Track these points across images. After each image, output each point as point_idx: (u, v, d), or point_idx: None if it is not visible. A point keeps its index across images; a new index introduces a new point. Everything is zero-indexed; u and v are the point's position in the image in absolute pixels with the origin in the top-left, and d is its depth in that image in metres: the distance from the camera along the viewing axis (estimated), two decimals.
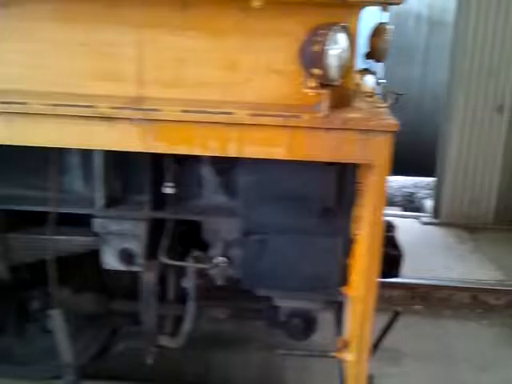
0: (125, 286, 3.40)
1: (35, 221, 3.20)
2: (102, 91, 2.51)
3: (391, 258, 3.13)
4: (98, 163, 2.94)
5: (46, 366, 3.60)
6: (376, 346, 3.18)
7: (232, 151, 2.48)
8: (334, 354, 3.01)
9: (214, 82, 2.52)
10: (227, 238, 3.02)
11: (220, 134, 2.45)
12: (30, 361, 3.69)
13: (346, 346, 2.94)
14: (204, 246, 3.10)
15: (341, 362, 3.03)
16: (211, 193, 3.06)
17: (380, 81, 3.17)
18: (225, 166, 2.92)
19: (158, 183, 2.99)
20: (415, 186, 9.55)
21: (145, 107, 2.43)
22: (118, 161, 2.96)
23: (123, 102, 2.44)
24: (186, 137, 2.46)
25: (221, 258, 2.99)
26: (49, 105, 2.40)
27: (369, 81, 3.18)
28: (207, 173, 3.01)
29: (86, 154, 2.96)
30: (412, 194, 9.35)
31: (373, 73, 3.22)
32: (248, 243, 2.86)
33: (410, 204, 8.87)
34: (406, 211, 8.04)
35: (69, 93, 2.51)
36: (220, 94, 2.53)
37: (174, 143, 2.48)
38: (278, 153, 2.46)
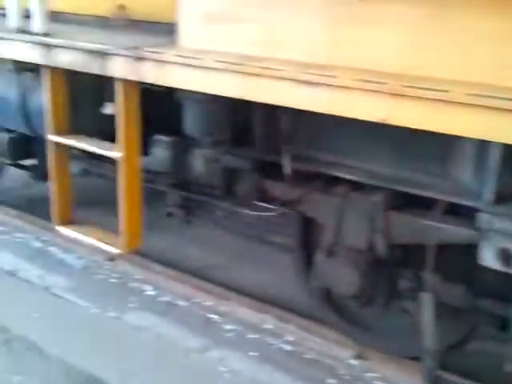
0: (496, 286, 3.28)
1: (417, 204, 3.31)
2: None
3: None
4: (493, 157, 2.86)
5: (406, 345, 3.73)
6: None
7: None
8: None
9: None
10: None
11: None
12: (387, 335, 3.87)
13: None
14: None
15: None
16: None
17: None
18: None
19: None
20: None
21: None
22: None
23: None
24: None
25: None
26: (472, 95, 2.39)
27: None
28: None
29: (481, 146, 2.90)
30: None
31: None
32: None
33: None
34: None
35: (488, 84, 2.47)
36: None
37: None
38: None
